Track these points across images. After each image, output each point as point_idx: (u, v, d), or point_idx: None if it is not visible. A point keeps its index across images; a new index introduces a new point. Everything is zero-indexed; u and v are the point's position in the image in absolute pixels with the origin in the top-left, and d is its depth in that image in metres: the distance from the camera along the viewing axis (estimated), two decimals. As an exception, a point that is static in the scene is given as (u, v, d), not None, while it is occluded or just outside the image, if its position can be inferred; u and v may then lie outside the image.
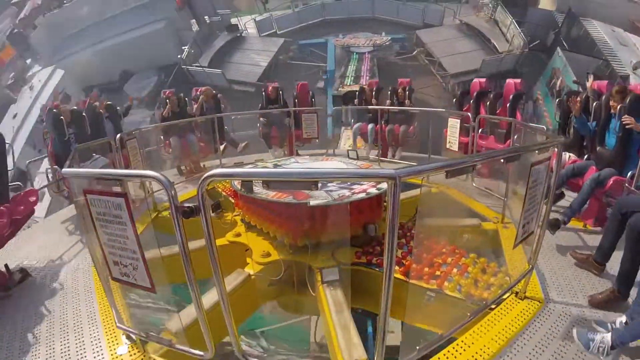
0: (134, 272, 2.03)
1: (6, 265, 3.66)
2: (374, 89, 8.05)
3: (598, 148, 4.08)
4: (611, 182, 3.65)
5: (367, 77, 17.80)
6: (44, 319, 2.99)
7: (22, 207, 3.81)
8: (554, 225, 3.66)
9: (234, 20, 22.52)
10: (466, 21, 20.31)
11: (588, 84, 4.73)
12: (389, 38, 20.38)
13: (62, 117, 5.40)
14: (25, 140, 18.07)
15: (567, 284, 3.05)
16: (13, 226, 3.68)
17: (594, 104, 4.30)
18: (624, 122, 3.58)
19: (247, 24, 22.60)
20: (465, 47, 19.10)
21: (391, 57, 20.01)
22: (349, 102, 9.89)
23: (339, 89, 18.02)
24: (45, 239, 4.61)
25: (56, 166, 5.33)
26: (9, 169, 4.04)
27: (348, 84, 18.27)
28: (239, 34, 22.17)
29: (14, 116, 21.32)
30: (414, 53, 19.53)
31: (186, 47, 20.23)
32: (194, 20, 22.47)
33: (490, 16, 19.90)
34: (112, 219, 1.95)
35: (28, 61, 26.33)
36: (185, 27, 22.02)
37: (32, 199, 4.06)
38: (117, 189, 1.98)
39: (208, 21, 22.32)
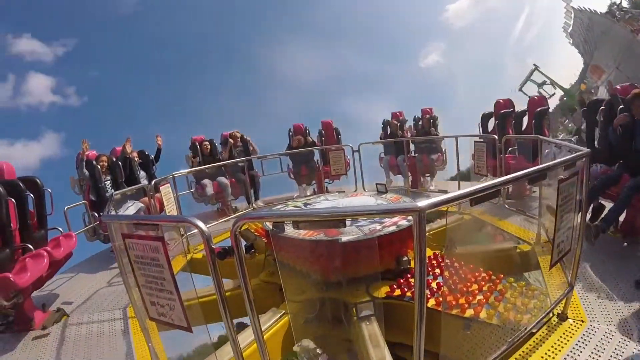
0: (170, 313, 2.07)
1: (44, 305, 3.82)
2: (400, 119, 8.13)
3: (626, 153, 3.94)
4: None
5: None
6: (81, 359, 3.06)
7: (61, 250, 4.01)
8: (595, 234, 3.50)
9: None
10: None
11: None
12: None
13: (98, 165, 5.72)
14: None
15: (610, 300, 2.90)
16: (52, 268, 3.87)
17: (619, 107, 4.19)
18: None
19: None
20: None
21: None
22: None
23: None
24: (82, 280, 4.77)
25: (93, 212, 5.57)
26: (47, 213, 4.25)
27: None
28: None
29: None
30: None
31: None
32: None
33: None
34: (150, 262, 2.02)
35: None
36: None
37: (71, 242, 4.27)
38: (154, 233, 2.06)
39: None
